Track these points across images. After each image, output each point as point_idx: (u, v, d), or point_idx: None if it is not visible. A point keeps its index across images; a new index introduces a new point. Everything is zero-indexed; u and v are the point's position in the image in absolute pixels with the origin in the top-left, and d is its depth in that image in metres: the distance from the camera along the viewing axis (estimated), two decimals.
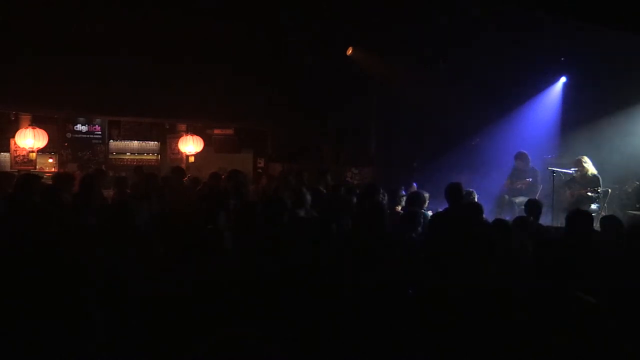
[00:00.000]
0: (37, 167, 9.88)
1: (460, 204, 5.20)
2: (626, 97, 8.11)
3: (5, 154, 9.96)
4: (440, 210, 5.50)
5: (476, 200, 5.96)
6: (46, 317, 2.37)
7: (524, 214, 5.27)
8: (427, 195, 5.67)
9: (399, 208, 5.76)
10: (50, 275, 2.77)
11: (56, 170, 9.90)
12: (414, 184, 7.47)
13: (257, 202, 5.10)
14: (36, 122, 9.45)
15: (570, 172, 7.51)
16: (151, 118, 10.35)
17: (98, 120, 10.78)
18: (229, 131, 11.30)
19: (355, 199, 5.33)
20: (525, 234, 4.32)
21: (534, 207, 5.22)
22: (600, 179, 7.33)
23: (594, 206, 7.27)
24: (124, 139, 11.16)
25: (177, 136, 10.88)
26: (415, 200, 5.41)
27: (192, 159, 10.77)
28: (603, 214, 6.85)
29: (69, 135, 10.56)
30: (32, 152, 9.61)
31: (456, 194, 5.40)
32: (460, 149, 9.08)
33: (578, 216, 4.23)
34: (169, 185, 6.19)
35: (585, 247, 3.80)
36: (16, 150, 9.87)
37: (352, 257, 3.47)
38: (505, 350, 2.61)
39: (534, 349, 2.55)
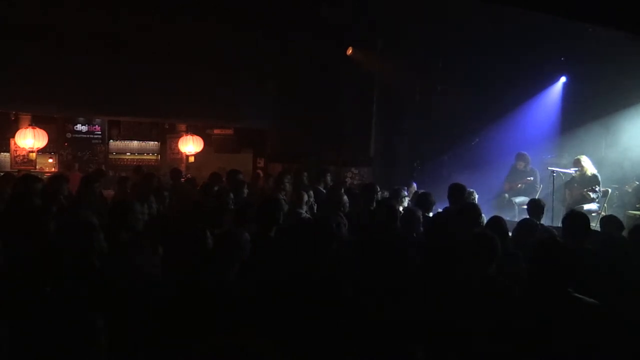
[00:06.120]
0: (37, 167, 9.89)
1: (461, 205, 5.18)
2: (626, 97, 8.09)
3: (5, 154, 9.97)
4: (440, 210, 5.49)
5: (476, 200, 5.94)
6: (45, 317, 2.37)
7: (524, 214, 5.22)
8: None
9: (401, 209, 5.74)
10: (49, 275, 2.77)
11: (56, 170, 9.90)
12: (414, 184, 7.45)
13: (255, 202, 5.08)
14: (36, 122, 9.44)
15: (571, 172, 7.51)
16: (151, 118, 10.34)
17: (98, 120, 10.78)
18: (229, 131, 11.31)
19: (346, 197, 5.22)
20: (530, 236, 4.28)
21: (536, 207, 5.13)
22: (600, 178, 7.32)
23: (594, 206, 7.26)
24: (124, 139, 11.17)
25: (177, 136, 10.89)
26: (423, 202, 5.36)
27: (191, 159, 10.78)
28: (603, 214, 6.84)
29: (69, 135, 10.57)
30: (32, 152, 9.60)
31: (458, 195, 5.39)
32: (460, 149, 9.07)
33: (571, 216, 4.22)
34: (165, 186, 6.20)
35: (581, 247, 3.78)
36: (16, 150, 9.88)
37: (353, 258, 3.46)
38: (505, 349, 2.61)
39: (533, 349, 2.55)
